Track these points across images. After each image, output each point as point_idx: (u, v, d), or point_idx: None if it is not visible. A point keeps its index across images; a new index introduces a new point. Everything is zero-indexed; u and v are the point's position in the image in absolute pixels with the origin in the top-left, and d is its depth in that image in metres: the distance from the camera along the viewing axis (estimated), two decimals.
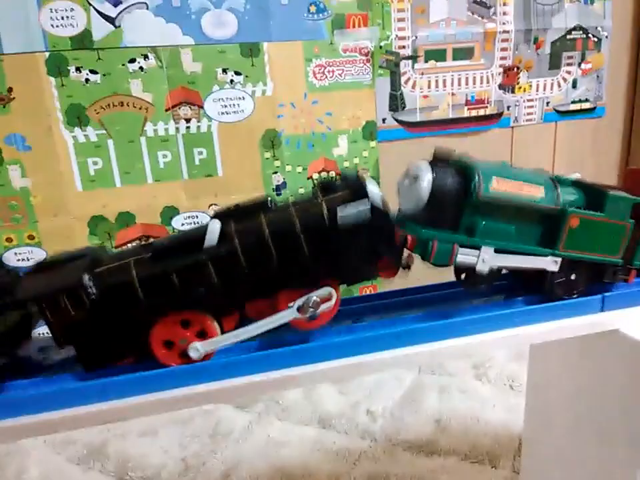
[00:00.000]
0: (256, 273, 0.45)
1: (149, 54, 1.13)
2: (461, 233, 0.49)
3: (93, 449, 1.00)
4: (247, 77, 1.19)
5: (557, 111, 1.46)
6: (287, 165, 1.26)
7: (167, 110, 1.16)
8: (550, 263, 0.52)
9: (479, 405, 1.01)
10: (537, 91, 1.42)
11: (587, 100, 1.48)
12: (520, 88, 1.40)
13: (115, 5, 1.09)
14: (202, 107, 1.18)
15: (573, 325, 0.54)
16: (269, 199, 0.47)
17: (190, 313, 0.45)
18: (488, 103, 1.39)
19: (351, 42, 1.24)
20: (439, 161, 0.50)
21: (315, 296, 0.45)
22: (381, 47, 1.26)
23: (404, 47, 1.28)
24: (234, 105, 1.20)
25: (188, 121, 1.18)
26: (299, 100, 1.24)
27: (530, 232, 0.52)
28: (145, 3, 1.11)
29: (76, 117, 1.12)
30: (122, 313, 0.44)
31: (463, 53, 1.33)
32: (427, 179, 0.48)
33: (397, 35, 1.27)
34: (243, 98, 1.20)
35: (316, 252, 0.45)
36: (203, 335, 0.46)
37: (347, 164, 1.31)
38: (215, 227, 0.45)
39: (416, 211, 0.49)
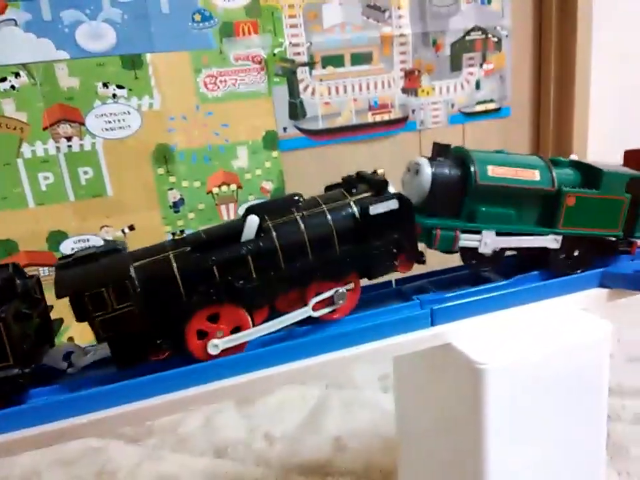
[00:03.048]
0: (291, 267, 0.47)
1: (20, 71, 1.06)
2: (462, 219, 0.53)
3: None
4: (130, 90, 1.13)
5: (463, 113, 1.46)
6: (183, 180, 1.20)
7: (44, 129, 1.09)
8: (551, 241, 0.55)
9: (381, 419, 0.98)
10: (441, 93, 1.41)
11: (492, 100, 1.48)
12: (423, 91, 1.39)
13: None
14: (83, 124, 1.11)
15: (405, 341, 0.51)
16: (298, 194, 0.50)
17: (226, 306, 0.46)
18: (392, 108, 1.37)
19: (242, 50, 1.20)
20: (437, 154, 0.53)
21: (341, 289, 0.48)
22: (274, 55, 1.23)
23: (299, 53, 1.25)
24: (119, 120, 1.13)
25: (69, 139, 1.11)
26: (190, 112, 1.18)
27: (529, 213, 0.55)
28: (13, 20, 1.04)
29: None
30: (163, 306, 0.44)
31: (361, 58, 1.31)
32: (427, 172, 0.52)
33: (290, 42, 1.23)
34: (129, 112, 1.14)
35: (346, 247, 0.48)
36: (237, 328, 0.47)
37: (249, 176, 1.26)
38: (254, 221, 0.46)
39: (419, 202, 0.52)
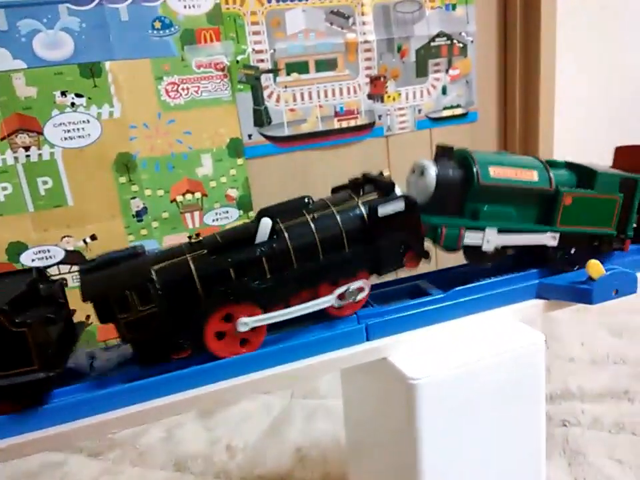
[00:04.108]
0: (303, 267, 0.49)
1: None
2: (466, 218, 0.55)
3: None
4: (89, 98, 1.11)
5: (430, 118, 1.46)
6: (146, 188, 1.19)
7: (2, 139, 1.07)
8: (549, 239, 0.58)
9: (342, 429, 0.97)
10: (407, 99, 1.42)
11: (458, 105, 1.49)
12: (389, 97, 1.39)
13: None
14: (41, 134, 1.10)
15: (340, 357, 0.50)
16: (308, 197, 0.52)
17: (242, 306, 0.48)
18: (358, 114, 1.37)
19: (204, 57, 1.19)
20: (441, 156, 0.55)
21: (353, 286, 0.51)
22: (237, 62, 1.22)
23: (263, 60, 1.25)
24: (78, 129, 1.12)
25: (27, 149, 1.09)
26: (152, 120, 1.17)
27: (528, 212, 0.58)
28: None
29: None
30: (182, 307, 0.47)
31: (326, 65, 1.31)
32: (431, 172, 0.53)
33: (253, 49, 1.23)
34: (88, 121, 1.12)
35: (356, 246, 0.50)
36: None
37: (214, 184, 1.25)
38: (267, 224, 0.48)
39: (425, 202, 0.54)
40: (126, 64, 1.13)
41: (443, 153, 0.55)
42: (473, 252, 0.56)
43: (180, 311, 0.47)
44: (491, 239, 0.55)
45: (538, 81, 1.48)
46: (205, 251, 0.48)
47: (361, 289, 0.51)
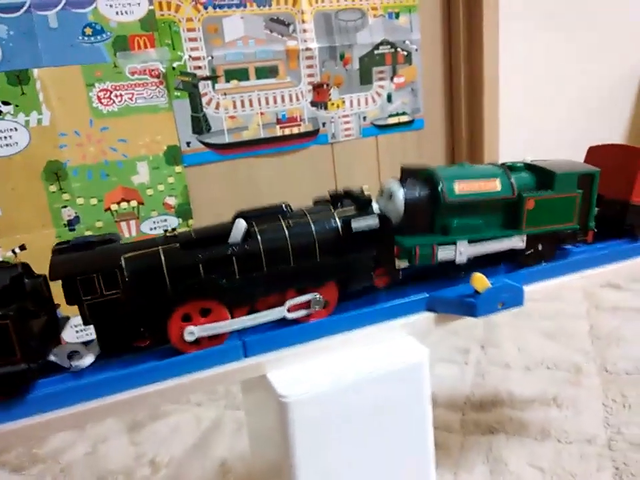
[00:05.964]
0: (273, 271, 0.50)
1: None
2: (437, 234, 0.57)
3: None
4: (17, 106, 1.09)
5: (376, 125, 1.46)
6: (78, 197, 1.17)
7: None
8: (517, 242, 0.61)
9: None
10: (352, 106, 1.42)
11: (404, 113, 1.49)
12: (333, 104, 1.39)
13: None
14: None
15: (217, 374, 0.49)
16: (285, 204, 0.53)
17: (209, 302, 0.49)
18: (301, 121, 1.37)
19: (138, 64, 1.17)
20: (407, 176, 0.57)
21: (318, 295, 0.52)
22: (174, 68, 1.21)
23: (200, 67, 1.23)
24: (5, 137, 1.09)
25: None
26: (84, 127, 1.15)
27: (495, 219, 0.60)
28: None
29: None
30: (148, 298, 0.47)
31: (267, 72, 1.30)
32: (400, 196, 0.55)
33: (190, 56, 1.22)
34: (16, 129, 1.10)
35: (327, 257, 0.52)
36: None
37: (151, 192, 1.23)
38: (241, 225, 0.49)
39: (395, 224, 0.55)
40: (55, 71, 1.11)
41: (409, 174, 0.57)
42: (447, 265, 0.58)
43: (146, 300, 0.47)
44: (463, 251, 0.57)
45: (482, 87, 1.49)
46: (178, 245, 0.49)
47: (327, 299, 0.53)
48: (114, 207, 1.20)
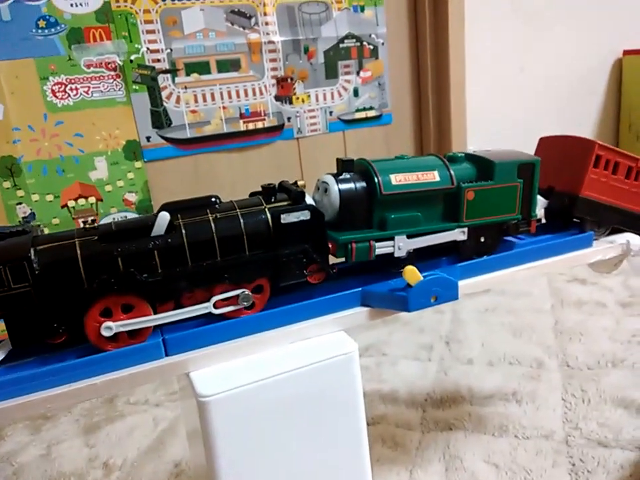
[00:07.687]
0: (198, 266, 0.48)
1: None
2: (374, 229, 0.55)
3: None
4: None
5: (343, 120, 1.45)
6: (33, 193, 1.14)
7: None
8: (458, 234, 0.59)
9: None
10: (317, 101, 1.40)
11: (371, 108, 1.48)
12: (298, 99, 1.37)
13: None
14: None
15: (137, 373, 0.48)
16: (215, 197, 0.51)
17: (129, 298, 0.47)
18: (265, 115, 1.35)
19: (93, 57, 1.15)
20: (342, 170, 0.55)
21: (246, 291, 0.50)
22: (131, 61, 1.18)
23: (159, 60, 1.21)
24: None
25: None
26: (38, 122, 1.12)
27: (435, 212, 0.58)
28: None
29: None
30: (62, 292, 0.45)
31: (229, 65, 1.28)
32: (334, 189, 0.54)
33: (148, 48, 1.19)
34: None
35: (256, 252, 0.50)
36: None
37: (110, 188, 1.21)
38: (165, 217, 0.47)
39: (332, 218, 0.54)
40: (8, 64, 1.08)
41: (344, 167, 0.55)
42: (386, 259, 0.57)
43: (60, 295, 0.46)
44: (402, 245, 0.56)
45: (449, 80, 1.48)
46: (96, 238, 0.47)
47: (257, 295, 0.51)
48: (71, 203, 1.18)
